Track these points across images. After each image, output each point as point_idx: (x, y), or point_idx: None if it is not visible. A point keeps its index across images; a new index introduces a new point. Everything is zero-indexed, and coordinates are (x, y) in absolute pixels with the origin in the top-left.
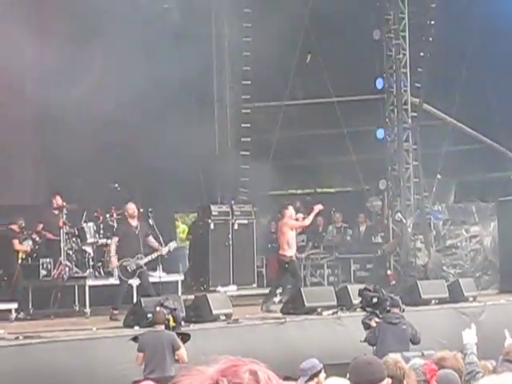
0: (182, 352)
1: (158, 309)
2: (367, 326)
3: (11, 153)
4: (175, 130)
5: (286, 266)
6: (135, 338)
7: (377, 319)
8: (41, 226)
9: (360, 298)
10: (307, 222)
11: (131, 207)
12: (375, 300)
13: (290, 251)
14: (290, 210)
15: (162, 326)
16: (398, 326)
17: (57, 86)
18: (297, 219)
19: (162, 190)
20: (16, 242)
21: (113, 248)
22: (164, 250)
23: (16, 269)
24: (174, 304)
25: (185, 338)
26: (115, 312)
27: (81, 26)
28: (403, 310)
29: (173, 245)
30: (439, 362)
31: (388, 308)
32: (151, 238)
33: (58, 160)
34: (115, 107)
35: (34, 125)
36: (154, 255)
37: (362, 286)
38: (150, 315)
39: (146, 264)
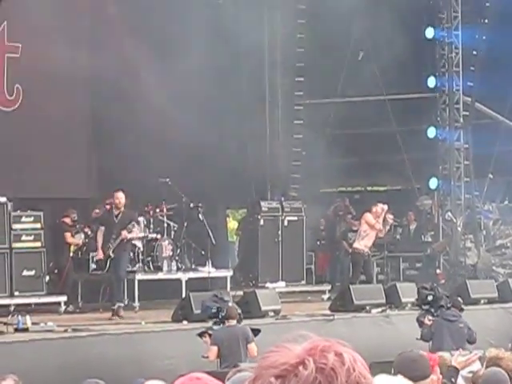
0: (253, 346)
1: (230, 304)
2: (421, 324)
3: (64, 146)
4: (227, 127)
5: (349, 256)
6: (201, 334)
7: (430, 317)
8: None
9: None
10: (377, 225)
11: (118, 196)
12: (430, 298)
13: (357, 243)
14: (376, 208)
15: (235, 321)
16: (454, 323)
17: (109, 80)
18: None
19: (213, 185)
20: (68, 235)
21: (100, 238)
22: (125, 234)
23: (67, 262)
24: (228, 297)
25: (255, 332)
26: (113, 307)
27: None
28: (462, 310)
29: (131, 226)
30: (494, 361)
31: (448, 305)
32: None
33: (110, 154)
34: (168, 105)
35: (87, 119)
36: (118, 241)
37: (418, 285)
38: (214, 310)
39: (113, 251)
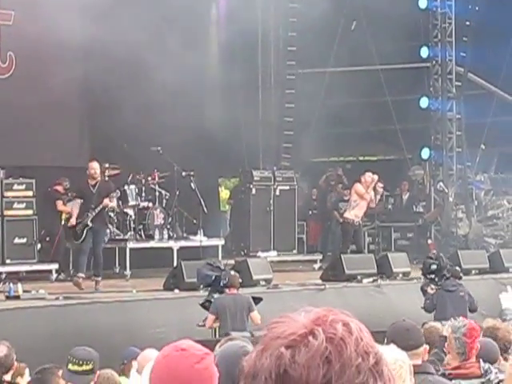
0: (256, 314)
1: (232, 272)
2: (425, 293)
3: (55, 114)
4: (219, 95)
5: (340, 226)
6: (204, 304)
7: (433, 286)
8: None
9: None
10: (367, 195)
11: (93, 166)
12: (434, 267)
13: (348, 213)
14: (366, 177)
15: (236, 289)
16: (455, 293)
17: (106, 49)
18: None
19: (205, 154)
20: (60, 203)
21: (75, 209)
22: (107, 201)
23: (58, 230)
24: (222, 265)
25: (256, 301)
26: (79, 275)
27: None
28: (460, 278)
29: (115, 194)
30: (491, 332)
31: (447, 276)
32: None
33: (101, 122)
34: (157, 71)
35: (82, 88)
36: (97, 209)
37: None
38: (213, 278)
39: (92, 221)
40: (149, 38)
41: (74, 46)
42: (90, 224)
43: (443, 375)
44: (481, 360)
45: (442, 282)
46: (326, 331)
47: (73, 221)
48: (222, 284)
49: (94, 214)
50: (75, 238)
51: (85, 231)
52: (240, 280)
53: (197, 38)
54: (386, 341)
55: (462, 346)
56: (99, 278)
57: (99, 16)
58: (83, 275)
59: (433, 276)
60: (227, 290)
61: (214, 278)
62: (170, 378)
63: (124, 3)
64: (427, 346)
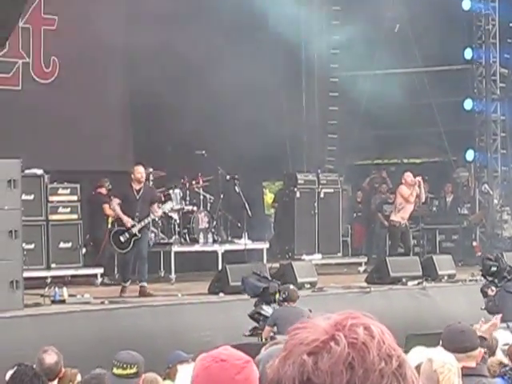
0: None
1: (291, 287)
2: (485, 295)
3: (101, 119)
4: (264, 100)
5: (387, 228)
6: (254, 315)
7: (494, 288)
8: None
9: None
10: (411, 198)
11: (139, 170)
12: (494, 269)
13: (394, 216)
14: (406, 177)
15: (294, 303)
16: None
17: (148, 53)
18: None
19: (249, 157)
20: (106, 206)
21: (118, 210)
22: (157, 214)
23: (104, 234)
24: (267, 273)
25: None
26: (123, 285)
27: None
28: None
29: (167, 206)
30: None
31: (509, 277)
32: (154, 206)
33: (146, 126)
34: (205, 79)
35: (125, 93)
36: (147, 220)
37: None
38: (261, 290)
39: (140, 231)
40: (195, 43)
41: (119, 51)
42: (139, 234)
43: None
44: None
45: (503, 284)
46: (347, 336)
47: (129, 221)
48: (280, 298)
49: (142, 224)
50: (120, 247)
51: (132, 241)
52: (298, 294)
53: (244, 44)
54: (441, 343)
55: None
56: (145, 284)
57: (144, 21)
58: (127, 284)
59: (492, 277)
60: (285, 303)
61: (262, 289)
62: None
63: (164, 8)
64: (482, 349)
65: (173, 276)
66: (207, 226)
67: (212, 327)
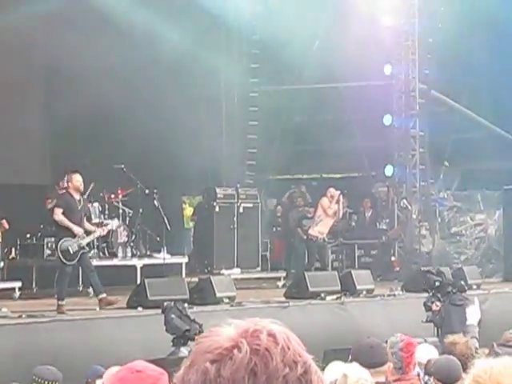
0: None
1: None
2: (428, 309)
3: (16, 132)
4: (182, 113)
5: (305, 243)
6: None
7: (438, 303)
8: (49, 204)
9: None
10: (329, 211)
11: (78, 179)
12: (437, 284)
13: (312, 230)
14: (330, 192)
15: None
16: (462, 307)
17: (64, 63)
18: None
19: (169, 171)
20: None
21: (65, 220)
22: (104, 230)
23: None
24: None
25: None
26: (60, 303)
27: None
28: (465, 291)
29: (114, 223)
30: (449, 347)
31: (454, 291)
32: (85, 221)
33: (63, 140)
34: (121, 89)
35: (41, 105)
36: (96, 234)
37: (424, 269)
38: (183, 331)
39: (87, 245)
40: (102, 49)
41: (35, 64)
42: (87, 248)
43: None
44: (421, 373)
45: (450, 297)
46: (250, 343)
47: (78, 231)
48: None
49: (91, 238)
50: (67, 259)
51: (79, 254)
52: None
53: (157, 53)
54: (350, 358)
55: (399, 360)
56: (104, 294)
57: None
58: (64, 302)
59: (434, 292)
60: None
61: (184, 331)
62: None
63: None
64: (391, 364)
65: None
66: (126, 240)
67: (130, 342)
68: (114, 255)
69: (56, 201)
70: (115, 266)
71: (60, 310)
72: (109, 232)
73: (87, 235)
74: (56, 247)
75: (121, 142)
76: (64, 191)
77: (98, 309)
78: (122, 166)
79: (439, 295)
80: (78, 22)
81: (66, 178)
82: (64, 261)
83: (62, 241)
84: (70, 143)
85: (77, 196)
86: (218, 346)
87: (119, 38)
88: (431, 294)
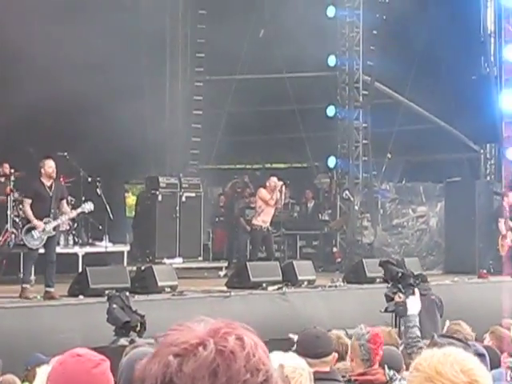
0: None
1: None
2: (390, 299)
3: None
4: (126, 101)
5: (249, 233)
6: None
7: (401, 294)
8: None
9: (382, 271)
10: (271, 201)
11: (50, 165)
12: (400, 274)
13: (255, 220)
14: (271, 181)
15: None
16: (426, 297)
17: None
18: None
19: (112, 160)
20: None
21: (29, 213)
22: (74, 213)
23: None
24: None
25: None
26: (25, 286)
27: None
28: (427, 282)
29: (87, 206)
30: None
31: (417, 282)
32: (64, 203)
33: (6, 127)
34: (64, 76)
35: None
36: (63, 218)
37: (383, 259)
38: (124, 321)
39: (54, 229)
40: (51, 42)
41: None
42: (53, 232)
43: (349, 381)
44: (386, 366)
45: (419, 286)
46: (217, 343)
47: (40, 225)
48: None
49: (58, 222)
50: (31, 243)
51: (44, 238)
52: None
53: (102, 40)
54: (295, 347)
55: (367, 352)
56: (52, 289)
57: None
58: (29, 286)
59: (396, 283)
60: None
61: (124, 322)
62: (67, 383)
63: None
64: (336, 354)
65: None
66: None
67: (71, 329)
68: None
69: (26, 191)
70: (57, 253)
71: (24, 295)
72: (79, 214)
73: (54, 219)
74: (21, 232)
75: (64, 130)
76: (35, 178)
77: (39, 297)
78: (65, 153)
79: (400, 286)
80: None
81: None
82: (29, 245)
83: (27, 226)
84: (13, 131)
85: (48, 182)
86: (184, 341)
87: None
88: (391, 284)
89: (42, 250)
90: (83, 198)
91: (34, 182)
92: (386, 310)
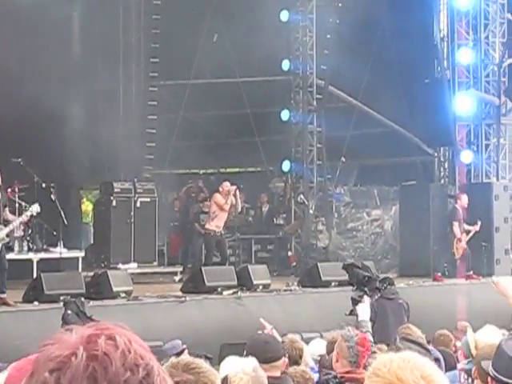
0: None
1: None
2: (356, 303)
3: None
4: (80, 106)
5: (202, 238)
6: None
7: (366, 297)
8: None
9: (346, 274)
10: (226, 206)
11: None
12: (366, 278)
13: (208, 224)
14: (224, 186)
15: None
16: (394, 300)
17: None
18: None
19: (66, 165)
20: None
21: None
22: (24, 217)
23: None
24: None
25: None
26: (3, 296)
27: None
28: (393, 285)
29: (35, 208)
30: (331, 346)
31: (385, 285)
32: (7, 210)
33: None
34: (17, 81)
35: None
36: (15, 223)
37: (347, 262)
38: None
39: (7, 235)
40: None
41: None
42: (7, 238)
43: (335, 378)
44: (315, 367)
45: (382, 291)
46: (88, 349)
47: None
48: None
49: (11, 228)
50: None
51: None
52: None
53: (57, 46)
54: (245, 353)
55: (356, 354)
56: (5, 295)
57: None
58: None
59: (361, 286)
60: None
61: None
62: None
63: None
64: (286, 359)
65: None
66: (22, 234)
67: (26, 335)
68: (10, 249)
69: None
70: (11, 259)
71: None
72: (31, 217)
73: (6, 226)
74: None
75: (19, 135)
76: None
77: None
78: (19, 159)
79: (366, 289)
80: None
81: None
82: None
83: None
84: None
85: None
86: (58, 354)
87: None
88: (356, 287)
89: None
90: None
91: None
92: (350, 313)
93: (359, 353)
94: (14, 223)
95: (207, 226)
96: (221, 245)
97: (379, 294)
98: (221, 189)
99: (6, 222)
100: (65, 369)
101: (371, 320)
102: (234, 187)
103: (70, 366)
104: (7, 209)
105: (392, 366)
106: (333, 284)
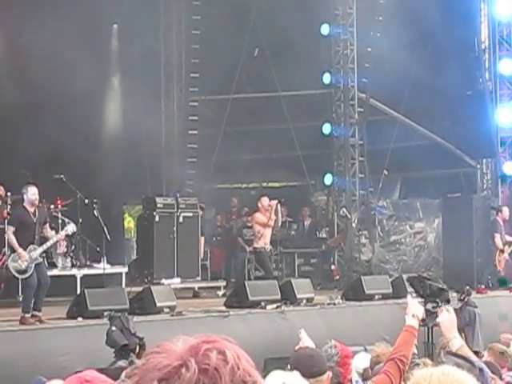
0: None
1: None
2: (430, 314)
3: None
4: (123, 122)
5: (255, 256)
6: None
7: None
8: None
9: (415, 286)
10: (270, 222)
11: (33, 191)
12: (436, 289)
13: (256, 243)
14: (262, 201)
15: None
16: (477, 309)
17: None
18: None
19: (109, 181)
20: None
21: (12, 238)
22: (59, 236)
23: None
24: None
25: None
26: (24, 315)
27: None
28: (470, 295)
29: (70, 228)
30: (376, 359)
31: (467, 293)
32: (47, 227)
33: (1, 150)
34: (65, 100)
35: None
36: (49, 243)
37: (414, 275)
38: (121, 344)
39: (41, 255)
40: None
41: None
42: (40, 258)
43: None
44: (359, 381)
45: (468, 299)
46: (199, 362)
47: (23, 256)
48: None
49: (44, 248)
50: (20, 273)
51: (33, 266)
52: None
53: (99, 64)
54: (289, 367)
55: (337, 375)
56: (41, 314)
57: None
58: (29, 315)
59: (433, 298)
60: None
61: (122, 345)
62: None
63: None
64: (330, 373)
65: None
66: (66, 250)
67: (70, 352)
68: (53, 265)
69: (9, 218)
70: (55, 276)
71: (23, 321)
72: (67, 236)
73: (42, 243)
74: (8, 262)
75: (60, 152)
76: (18, 205)
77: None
78: (62, 175)
79: (438, 300)
80: None
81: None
82: (16, 275)
83: (12, 256)
84: (9, 154)
85: (31, 209)
86: (166, 364)
87: None
88: (426, 299)
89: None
90: (80, 220)
91: (17, 209)
92: (424, 324)
93: (339, 373)
94: (48, 243)
95: (255, 246)
96: (265, 259)
97: (463, 303)
98: (260, 205)
99: (44, 239)
100: (173, 380)
101: (458, 329)
102: (275, 201)
103: (179, 377)
104: (47, 225)
105: (432, 380)
106: (376, 297)
